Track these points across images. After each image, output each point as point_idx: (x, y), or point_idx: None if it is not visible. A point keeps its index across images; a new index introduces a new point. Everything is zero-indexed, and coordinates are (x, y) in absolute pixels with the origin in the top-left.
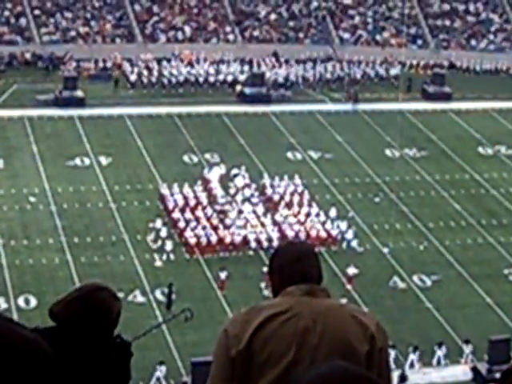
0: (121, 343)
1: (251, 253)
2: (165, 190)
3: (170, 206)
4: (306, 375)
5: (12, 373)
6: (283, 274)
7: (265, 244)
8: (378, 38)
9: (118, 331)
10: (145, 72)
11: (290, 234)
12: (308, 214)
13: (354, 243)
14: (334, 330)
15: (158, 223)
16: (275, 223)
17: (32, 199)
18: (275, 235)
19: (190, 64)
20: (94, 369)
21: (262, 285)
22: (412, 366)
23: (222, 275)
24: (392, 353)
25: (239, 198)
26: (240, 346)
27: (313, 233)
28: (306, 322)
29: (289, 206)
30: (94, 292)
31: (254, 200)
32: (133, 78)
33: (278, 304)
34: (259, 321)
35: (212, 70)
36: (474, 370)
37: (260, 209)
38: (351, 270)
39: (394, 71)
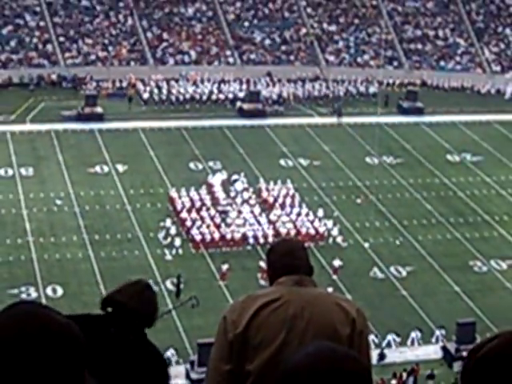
0: (158, 354)
1: (249, 248)
2: (174, 194)
3: (179, 207)
4: (296, 355)
5: (47, 355)
6: (275, 267)
7: (261, 240)
8: (359, 60)
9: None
10: (156, 91)
11: (283, 231)
12: (299, 214)
13: (339, 239)
14: (319, 316)
15: (168, 222)
16: (270, 222)
17: (58, 202)
18: (270, 232)
19: (195, 83)
20: (128, 361)
21: (259, 275)
22: (389, 345)
23: (224, 267)
24: (372, 335)
25: (239, 200)
26: (237, 330)
27: (303, 230)
28: (295, 309)
29: (282, 206)
30: (149, 287)
31: (252, 202)
32: (145, 96)
33: (271, 293)
34: (254, 308)
35: (214, 89)
36: (444, 349)
37: (257, 209)
38: (336, 263)
39: (372, 89)
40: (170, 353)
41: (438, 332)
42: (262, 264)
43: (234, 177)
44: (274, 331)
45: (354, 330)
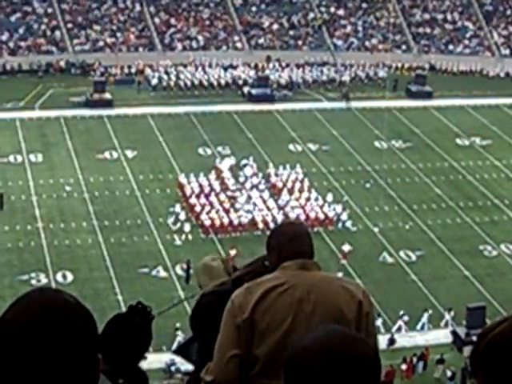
0: (142, 308)
1: (258, 233)
2: (183, 179)
3: (188, 192)
4: (305, 339)
5: (61, 339)
6: (280, 251)
7: (271, 225)
8: (367, 44)
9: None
10: (164, 76)
11: (292, 216)
12: (308, 199)
13: (348, 224)
14: (326, 299)
15: (178, 208)
16: (279, 207)
17: (68, 188)
18: (280, 217)
19: (204, 70)
20: (120, 330)
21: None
22: (399, 330)
23: (232, 252)
24: (380, 319)
25: (248, 185)
26: (244, 315)
27: (312, 215)
28: (301, 293)
29: (291, 191)
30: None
31: (261, 187)
32: (154, 81)
33: (277, 277)
34: (260, 293)
35: (223, 74)
36: (454, 333)
37: (266, 194)
38: (346, 247)
39: (381, 73)
40: (180, 338)
41: (447, 316)
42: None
43: (243, 162)
44: (280, 315)
45: (361, 312)
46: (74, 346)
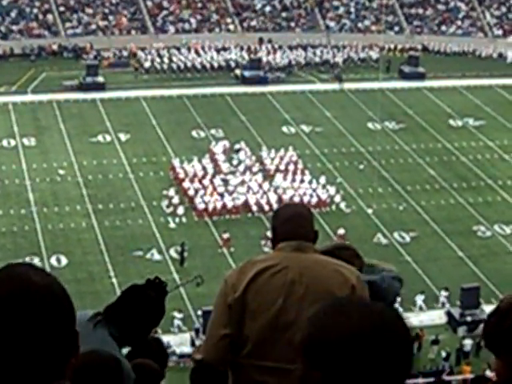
0: (159, 283)
1: (252, 215)
2: (176, 162)
3: (181, 176)
4: (343, 323)
5: (27, 317)
6: (276, 232)
7: (265, 207)
8: (359, 25)
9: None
10: (157, 59)
11: (286, 198)
12: (301, 181)
13: (342, 205)
14: (318, 282)
15: (172, 191)
16: (273, 189)
17: (61, 172)
18: (274, 200)
19: (197, 52)
20: (134, 301)
21: (262, 243)
22: None
23: (225, 235)
24: None
25: (241, 168)
26: (236, 294)
27: (306, 197)
28: (293, 275)
29: (284, 174)
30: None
31: (255, 169)
32: (147, 64)
33: (271, 258)
34: (253, 273)
35: (215, 57)
36: (449, 314)
37: (259, 177)
38: (341, 231)
39: (374, 55)
40: (176, 321)
41: (443, 294)
42: (269, 234)
43: (237, 146)
44: (272, 296)
45: None
46: (40, 326)
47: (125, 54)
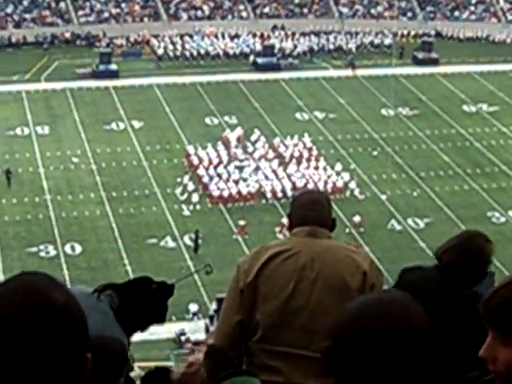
0: (165, 284)
1: (267, 202)
2: (190, 149)
3: (195, 162)
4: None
5: (44, 335)
6: (292, 218)
7: (279, 194)
8: (372, 11)
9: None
10: (170, 46)
11: (300, 185)
12: (316, 168)
13: (356, 192)
14: (329, 267)
15: (186, 178)
16: (287, 176)
17: (75, 160)
18: (288, 187)
19: (210, 38)
20: (134, 295)
21: (277, 230)
22: None
23: (241, 222)
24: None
25: (256, 155)
26: (248, 279)
27: (320, 184)
28: (305, 260)
29: (299, 160)
30: (473, 238)
31: (269, 156)
32: (160, 52)
33: (284, 243)
34: (265, 258)
35: (229, 43)
36: None
37: (274, 164)
38: (356, 218)
39: (387, 41)
40: (191, 307)
41: None
42: (284, 220)
43: (254, 136)
44: (283, 281)
45: (365, 283)
46: (56, 345)
47: (138, 41)
